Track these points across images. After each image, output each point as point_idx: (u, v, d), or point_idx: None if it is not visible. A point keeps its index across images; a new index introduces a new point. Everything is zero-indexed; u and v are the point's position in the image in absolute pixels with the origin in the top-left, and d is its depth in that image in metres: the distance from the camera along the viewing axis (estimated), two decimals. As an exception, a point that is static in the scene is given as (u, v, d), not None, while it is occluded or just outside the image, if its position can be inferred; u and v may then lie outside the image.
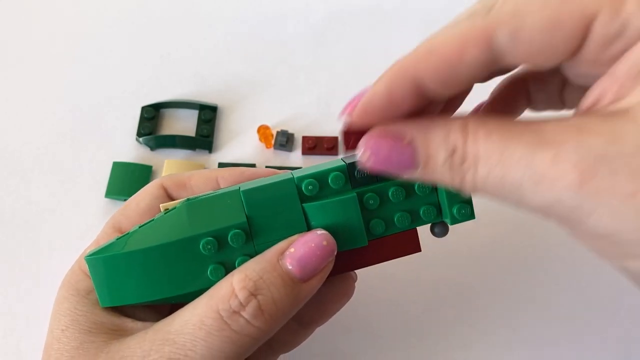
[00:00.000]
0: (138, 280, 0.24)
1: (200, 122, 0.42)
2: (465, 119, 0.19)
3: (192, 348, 0.22)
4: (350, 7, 0.45)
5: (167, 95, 0.42)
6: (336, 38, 0.44)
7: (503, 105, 0.26)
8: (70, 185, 0.40)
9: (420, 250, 0.25)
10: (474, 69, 0.18)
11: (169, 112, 0.43)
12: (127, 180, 0.39)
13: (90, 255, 0.24)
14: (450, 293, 0.35)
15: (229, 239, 0.23)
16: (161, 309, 0.26)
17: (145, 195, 0.27)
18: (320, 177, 0.24)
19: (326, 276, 0.24)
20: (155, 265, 0.24)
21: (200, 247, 0.23)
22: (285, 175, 0.25)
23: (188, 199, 0.24)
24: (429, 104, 0.21)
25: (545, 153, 0.17)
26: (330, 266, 0.24)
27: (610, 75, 0.18)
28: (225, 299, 0.22)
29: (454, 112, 0.26)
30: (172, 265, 0.24)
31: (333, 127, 0.41)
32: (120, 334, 0.24)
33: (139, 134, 0.41)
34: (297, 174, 0.25)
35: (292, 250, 0.23)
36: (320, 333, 0.33)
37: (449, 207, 0.25)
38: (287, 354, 0.28)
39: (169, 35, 0.45)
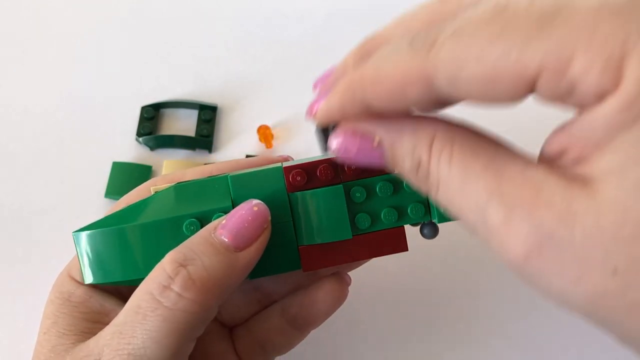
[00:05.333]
0: (120, 257, 0.24)
1: (200, 122, 0.42)
2: (433, 130, 0.19)
3: (133, 335, 0.21)
4: (350, 7, 0.45)
5: (167, 95, 0.42)
6: (336, 38, 0.44)
7: None
8: (70, 185, 0.40)
9: (406, 250, 0.25)
10: (419, 103, 0.18)
11: (168, 112, 0.43)
12: (126, 180, 0.39)
13: (77, 230, 0.24)
14: (447, 293, 0.35)
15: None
16: None
17: (137, 195, 0.27)
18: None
19: (264, 245, 0.23)
20: (138, 243, 0.24)
21: (184, 227, 0.23)
22: (274, 164, 0.25)
23: (178, 183, 0.24)
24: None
25: (499, 211, 0.17)
26: (267, 234, 0.23)
27: (573, 130, 0.17)
28: (156, 277, 0.22)
29: None
30: (155, 244, 0.24)
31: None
32: (92, 334, 0.24)
33: (139, 133, 0.41)
34: (287, 163, 0.25)
35: (223, 221, 0.23)
36: (316, 335, 0.33)
37: (437, 204, 0.24)
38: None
39: (169, 36, 0.45)
